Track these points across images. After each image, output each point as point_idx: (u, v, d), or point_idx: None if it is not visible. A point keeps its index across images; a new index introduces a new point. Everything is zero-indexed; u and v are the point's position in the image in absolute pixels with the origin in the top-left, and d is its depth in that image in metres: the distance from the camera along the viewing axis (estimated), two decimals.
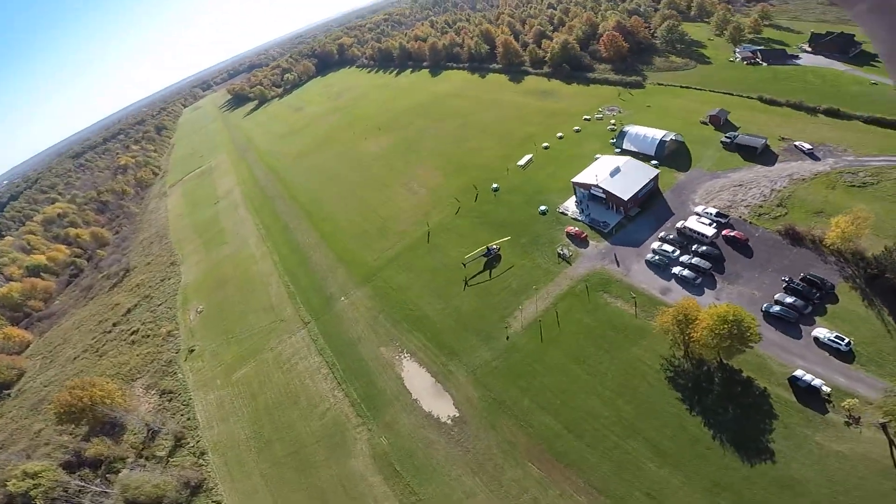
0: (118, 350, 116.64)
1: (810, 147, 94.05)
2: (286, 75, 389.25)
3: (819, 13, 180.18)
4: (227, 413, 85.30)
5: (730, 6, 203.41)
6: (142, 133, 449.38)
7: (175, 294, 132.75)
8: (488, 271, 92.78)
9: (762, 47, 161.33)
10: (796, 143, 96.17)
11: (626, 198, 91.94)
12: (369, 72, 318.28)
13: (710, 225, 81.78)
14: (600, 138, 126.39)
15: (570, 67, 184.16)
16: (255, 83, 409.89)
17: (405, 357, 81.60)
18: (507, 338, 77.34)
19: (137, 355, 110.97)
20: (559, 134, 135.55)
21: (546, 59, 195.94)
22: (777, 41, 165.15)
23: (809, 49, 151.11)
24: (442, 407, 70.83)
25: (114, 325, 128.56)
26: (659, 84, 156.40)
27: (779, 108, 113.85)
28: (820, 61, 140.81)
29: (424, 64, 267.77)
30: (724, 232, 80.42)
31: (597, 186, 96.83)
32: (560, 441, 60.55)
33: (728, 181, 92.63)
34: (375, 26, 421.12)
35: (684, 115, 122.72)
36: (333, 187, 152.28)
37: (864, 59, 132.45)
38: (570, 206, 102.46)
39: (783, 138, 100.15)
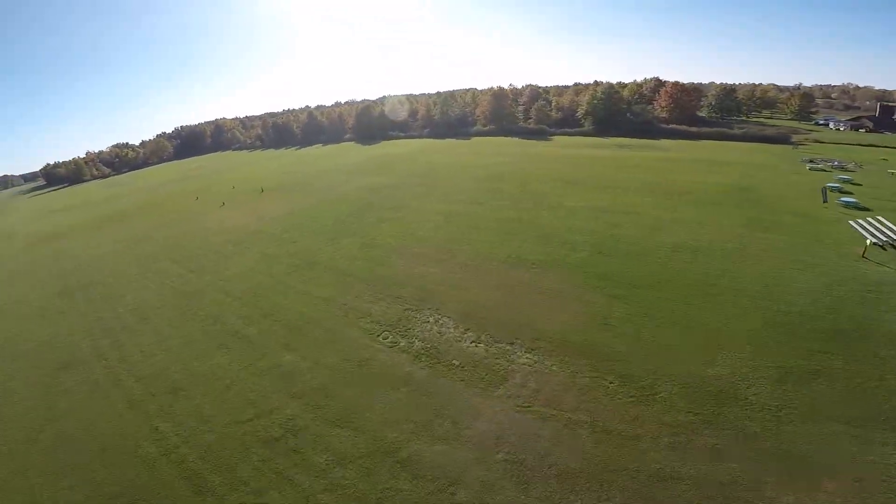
0: None
1: None
2: (124, 151, 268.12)
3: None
4: None
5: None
6: None
7: None
8: None
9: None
10: None
11: None
12: (250, 153, 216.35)
13: None
14: None
15: (638, 122, 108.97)
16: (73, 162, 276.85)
17: None
18: None
19: None
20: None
21: (580, 115, 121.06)
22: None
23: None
24: None
25: None
26: (818, 142, 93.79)
27: None
28: None
29: (347, 136, 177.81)
30: None
31: None
32: None
33: None
34: (270, 115, 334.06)
35: None
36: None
37: None
38: None
39: None
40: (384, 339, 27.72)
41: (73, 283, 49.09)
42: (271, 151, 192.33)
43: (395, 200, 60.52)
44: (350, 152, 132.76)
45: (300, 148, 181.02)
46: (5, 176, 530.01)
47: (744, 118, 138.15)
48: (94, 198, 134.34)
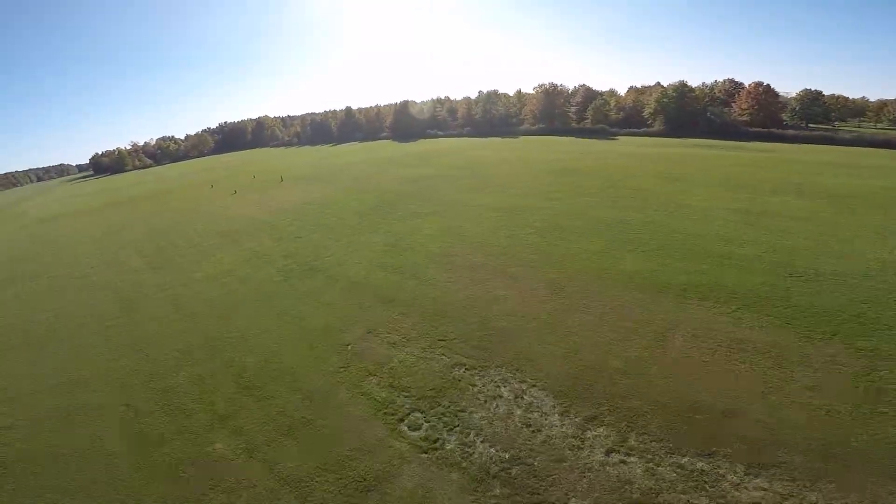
0: None
1: None
2: (167, 143, 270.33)
3: None
4: None
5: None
6: None
7: None
8: None
9: None
10: None
11: None
12: (286, 149, 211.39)
13: None
14: None
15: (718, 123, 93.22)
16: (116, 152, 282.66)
17: None
18: None
19: None
20: None
21: (647, 115, 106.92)
22: None
23: None
24: None
25: None
26: None
27: None
28: None
29: (383, 134, 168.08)
30: None
31: None
32: None
33: None
34: (310, 115, 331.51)
35: None
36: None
37: None
38: None
39: None
40: (412, 427, 13.75)
41: (21, 273, 38.28)
42: (306, 148, 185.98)
43: (436, 192, 47.06)
44: (386, 148, 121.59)
45: (335, 144, 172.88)
46: (61, 164, 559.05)
47: (829, 126, 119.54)
48: (119, 185, 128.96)
